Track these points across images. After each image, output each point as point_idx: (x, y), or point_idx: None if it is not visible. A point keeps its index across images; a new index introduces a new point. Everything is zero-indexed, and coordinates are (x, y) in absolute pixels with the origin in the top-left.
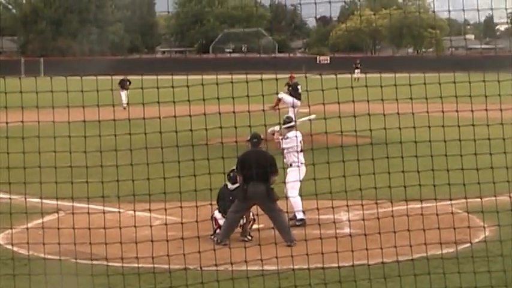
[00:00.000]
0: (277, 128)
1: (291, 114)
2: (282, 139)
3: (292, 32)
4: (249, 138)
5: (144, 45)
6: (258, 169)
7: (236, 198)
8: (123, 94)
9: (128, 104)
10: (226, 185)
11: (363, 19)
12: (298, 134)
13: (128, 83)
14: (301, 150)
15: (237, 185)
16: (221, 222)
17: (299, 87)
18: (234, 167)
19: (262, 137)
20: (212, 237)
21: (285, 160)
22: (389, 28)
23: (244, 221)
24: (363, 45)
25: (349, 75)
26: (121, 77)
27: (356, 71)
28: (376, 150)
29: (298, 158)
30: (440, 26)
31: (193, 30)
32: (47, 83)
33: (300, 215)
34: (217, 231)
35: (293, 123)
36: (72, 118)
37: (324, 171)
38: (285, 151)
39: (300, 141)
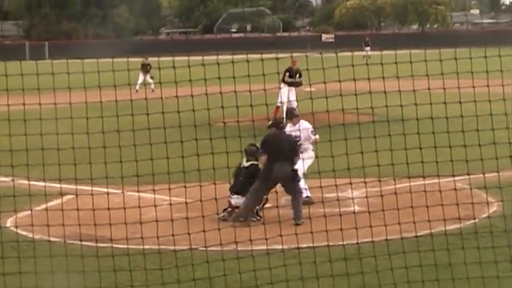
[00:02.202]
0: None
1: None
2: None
3: (296, 11)
4: (271, 123)
5: (149, 27)
6: (283, 150)
7: (259, 178)
8: (141, 78)
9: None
10: (241, 164)
11: None
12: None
13: (148, 67)
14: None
15: (251, 162)
16: (232, 201)
17: (297, 76)
18: (251, 147)
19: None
20: (219, 216)
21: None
22: (394, 5)
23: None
24: (368, 23)
25: (350, 53)
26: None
27: (366, 48)
28: (378, 128)
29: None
30: (445, 1)
31: (197, 11)
32: (50, 67)
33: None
34: (226, 211)
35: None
36: (74, 100)
37: (327, 149)
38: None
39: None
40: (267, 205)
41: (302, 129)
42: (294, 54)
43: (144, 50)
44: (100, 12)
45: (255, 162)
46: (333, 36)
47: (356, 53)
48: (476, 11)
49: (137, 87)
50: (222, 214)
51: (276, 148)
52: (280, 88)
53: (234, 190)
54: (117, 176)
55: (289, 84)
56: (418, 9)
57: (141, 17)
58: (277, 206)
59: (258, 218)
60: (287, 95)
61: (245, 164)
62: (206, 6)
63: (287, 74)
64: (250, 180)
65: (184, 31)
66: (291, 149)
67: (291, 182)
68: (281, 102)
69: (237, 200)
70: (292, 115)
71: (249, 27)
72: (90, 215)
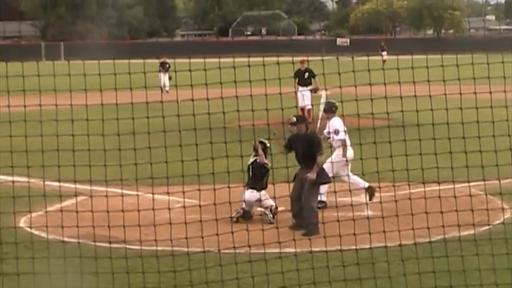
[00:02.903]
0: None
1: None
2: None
3: (311, 15)
4: (296, 120)
5: (164, 29)
6: (304, 151)
7: (315, 184)
8: (163, 77)
9: (167, 88)
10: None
11: (382, 1)
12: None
13: (167, 65)
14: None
15: (253, 158)
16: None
17: (306, 75)
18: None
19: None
20: (234, 214)
21: None
22: (409, 10)
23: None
24: (383, 27)
25: (366, 58)
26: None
27: (383, 53)
28: (393, 133)
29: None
30: (460, 7)
31: (212, 13)
32: (65, 67)
33: (362, 185)
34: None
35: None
36: (90, 101)
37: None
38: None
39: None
40: (280, 208)
41: (330, 125)
42: (308, 58)
43: (160, 52)
44: (115, 13)
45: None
46: (348, 40)
47: (372, 58)
48: (492, 17)
49: (167, 88)
50: (236, 211)
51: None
52: (295, 92)
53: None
54: (131, 178)
55: (301, 85)
56: (433, 14)
57: (156, 19)
58: (290, 210)
59: (272, 216)
60: (303, 99)
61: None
62: (221, 9)
63: (296, 79)
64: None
65: (199, 33)
66: (311, 148)
67: (309, 185)
68: (296, 107)
69: (251, 194)
70: (329, 110)
71: (264, 30)
72: (104, 216)
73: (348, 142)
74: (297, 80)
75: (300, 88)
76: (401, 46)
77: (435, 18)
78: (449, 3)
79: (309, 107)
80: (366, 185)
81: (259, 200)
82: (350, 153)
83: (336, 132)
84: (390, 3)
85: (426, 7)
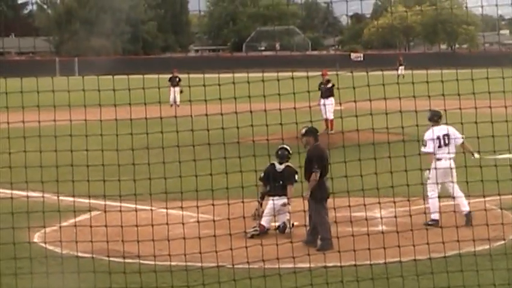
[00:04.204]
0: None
1: (323, 111)
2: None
3: (325, 30)
4: (305, 131)
5: (178, 44)
6: (327, 164)
7: (316, 201)
8: (173, 92)
9: (177, 102)
10: (274, 165)
11: (396, 16)
12: (437, 129)
13: (177, 79)
14: (439, 146)
15: (284, 165)
16: (273, 203)
17: (329, 85)
18: (283, 146)
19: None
20: (250, 231)
21: None
22: (423, 25)
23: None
24: (397, 42)
25: (381, 72)
26: (169, 75)
27: (400, 67)
28: (408, 147)
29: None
30: (474, 22)
31: (226, 28)
32: (80, 83)
33: (433, 216)
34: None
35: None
36: (104, 117)
37: (356, 168)
38: None
39: (439, 136)
40: (295, 223)
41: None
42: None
43: (174, 67)
44: (129, 29)
45: (289, 164)
46: (362, 55)
47: (387, 72)
48: (506, 31)
49: (177, 102)
50: (253, 229)
51: (325, 162)
52: (319, 105)
53: (275, 193)
54: (145, 193)
55: (323, 97)
56: (447, 28)
57: (170, 34)
58: (305, 225)
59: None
60: (325, 111)
61: (278, 167)
62: (235, 24)
63: (320, 91)
64: (288, 182)
65: (212, 48)
66: (308, 163)
67: (310, 202)
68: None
69: (278, 201)
70: (430, 119)
71: (277, 46)
72: (118, 231)
73: (441, 152)
74: (320, 92)
75: (322, 100)
76: (416, 61)
77: (449, 33)
78: (464, 18)
79: (331, 117)
80: (467, 209)
81: (285, 204)
82: (441, 164)
83: (424, 143)
84: (404, 18)
85: (440, 22)
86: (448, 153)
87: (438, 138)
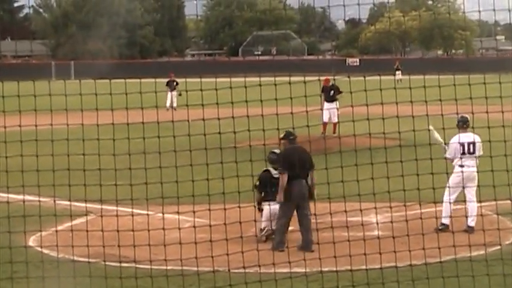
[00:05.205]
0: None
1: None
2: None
3: (321, 34)
4: (282, 136)
5: (174, 48)
6: (301, 166)
7: (280, 201)
8: (170, 96)
9: (174, 105)
10: (269, 171)
11: (393, 21)
12: (463, 135)
13: (174, 83)
14: (463, 153)
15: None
16: (270, 208)
17: (332, 92)
18: (273, 151)
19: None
20: (261, 234)
21: None
22: (419, 30)
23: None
24: (393, 47)
25: (378, 77)
26: (167, 79)
27: (397, 72)
28: (404, 152)
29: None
30: (471, 27)
31: (222, 33)
32: (76, 86)
33: (443, 220)
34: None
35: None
36: (101, 121)
37: (353, 173)
38: None
39: (463, 143)
40: (290, 228)
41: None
42: (324, 77)
43: (171, 71)
44: (125, 33)
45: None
46: (358, 60)
47: (385, 77)
48: (501, 37)
49: (174, 105)
50: (265, 231)
51: (294, 164)
52: (321, 109)
53: (270, 198)
54: (142, 197)
55: (328, 102)
56: (443, 33)
57: (167, 38)
58: (300, 230)
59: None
60: (328, 116)
61: (274, 173)
62: (232, 29)
63: (322, 96)
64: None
65: (209, 53)
66: (309, 163)
67: (307, 200)
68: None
69: (274, 205)
70: (457, 124)
71: (274, 50)
72: (114, 235)
73: (464, 160)
74: (323, 96)
75: (326, 104)
76: (412, 66)
77: (445, 38)
78: (460, 24)
79: (336, 120)
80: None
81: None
82: (461, 171)
83: (447, 148)
84: (401, 23)
85: (437, 27)
86: (471, 161)
87: (462, 144)
